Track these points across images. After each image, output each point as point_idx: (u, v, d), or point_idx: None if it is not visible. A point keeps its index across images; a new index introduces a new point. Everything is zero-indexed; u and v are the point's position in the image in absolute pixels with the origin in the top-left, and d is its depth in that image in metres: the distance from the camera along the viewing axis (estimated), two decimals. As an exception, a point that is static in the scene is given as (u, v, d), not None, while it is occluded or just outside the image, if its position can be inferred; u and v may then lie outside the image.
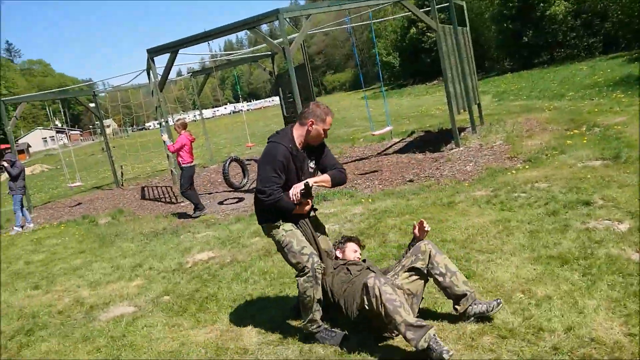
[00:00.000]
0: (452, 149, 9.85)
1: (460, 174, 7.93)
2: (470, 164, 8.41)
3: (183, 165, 8.80)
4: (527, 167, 7.46)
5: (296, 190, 3.37)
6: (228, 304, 4.46)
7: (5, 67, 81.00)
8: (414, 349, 2.92)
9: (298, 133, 3.45)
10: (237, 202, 9.47)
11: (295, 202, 3.38)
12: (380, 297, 3.00)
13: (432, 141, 11.26)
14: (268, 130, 26.82)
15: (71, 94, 20.78)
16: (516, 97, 17.83)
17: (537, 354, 2.88)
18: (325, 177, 3.49)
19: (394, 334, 3.30)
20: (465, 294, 3.30)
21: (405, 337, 2.95)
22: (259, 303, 4.37)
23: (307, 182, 3.36)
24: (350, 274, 3.54)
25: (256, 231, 6.55)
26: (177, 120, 9.24)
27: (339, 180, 3.52)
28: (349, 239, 3.95)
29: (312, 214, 3.67)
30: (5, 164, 10.79)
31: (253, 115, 51.73)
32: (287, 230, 3.45)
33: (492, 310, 3.25)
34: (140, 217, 9.80)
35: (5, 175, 11.91)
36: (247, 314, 4.18)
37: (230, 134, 29.59)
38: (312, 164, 3.55)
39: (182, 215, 8.94)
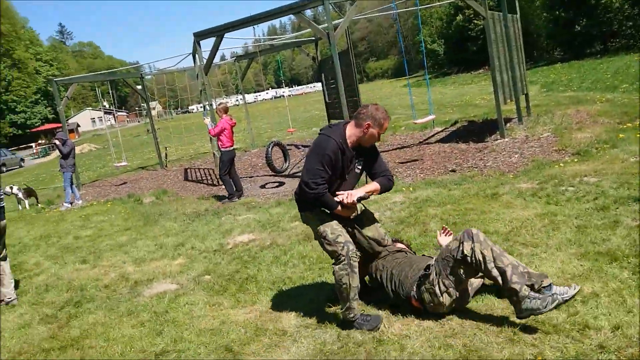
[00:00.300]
0: (496, 139, 9.62)
1: (504, 165, 7.75)
2: (516, 156, 8.20)
3: (222, 149, 8.93)
4: (575, 160, 7.22)
5: (352, 197, 3.40)
6: (267, 285, 4.53)
7: (58, 49, 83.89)
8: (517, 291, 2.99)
9: (352, 132, 3.41)
10: (277, 187, 9.56)
11: (348, 205, 3.42)
12: (486, 241, 3.13)
13: (476, 131, 11.02)
14: (309, 116, 26.88)
15: (119, 76, 21.38)
16: (566, 87, 17.21)
17: (581, 351, 2.80)
18: (375, 185, 3.51)
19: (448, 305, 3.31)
20: (544, 273, 3.24)
21: (509, 281, 3.03)
22: (298, 286, 4.41)
23: (365, 194, 3.44)
24: (406, 255, 3.75)
25: (296, 215, 6.60)
26: (218, 104, 9.35)
27: (387, 188, 3.59)
28: (400, 241, 4.12)
29: (357, 213, 3.70)
30: (57, 142, 11.22)
31: (294, 101, 51.79)
32: (324, 220, 3.48)
33: (574, 291, 3.16)
34: (183, 197, 10.04)
35: (56, 153, 12.37)
36: (286, 296, 4.24)
37: (272, 118, 29.76)
38: (359, 166, 3.53)
39: (223, 198, 9.09)
